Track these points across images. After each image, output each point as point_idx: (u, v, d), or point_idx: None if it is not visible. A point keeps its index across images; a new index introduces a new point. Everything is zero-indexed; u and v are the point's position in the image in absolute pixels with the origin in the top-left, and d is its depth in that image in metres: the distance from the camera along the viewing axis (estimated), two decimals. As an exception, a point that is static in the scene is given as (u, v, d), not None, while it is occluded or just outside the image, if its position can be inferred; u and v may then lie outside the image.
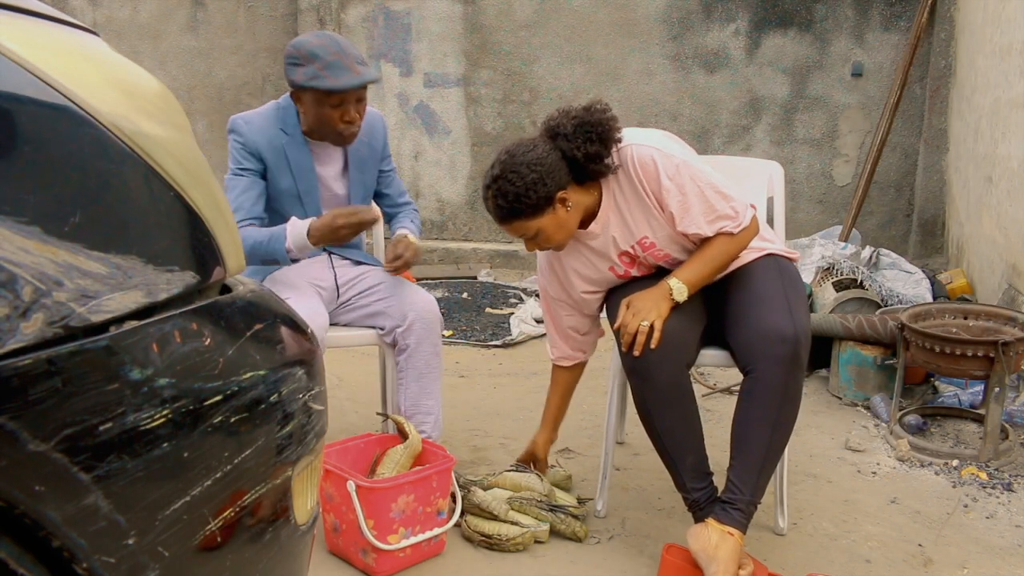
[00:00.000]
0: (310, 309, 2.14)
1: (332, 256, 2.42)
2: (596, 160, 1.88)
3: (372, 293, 2.34)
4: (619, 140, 1.91)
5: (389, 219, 2.53)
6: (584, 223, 1.99)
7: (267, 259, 2.18)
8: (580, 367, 2.30)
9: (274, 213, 2.29)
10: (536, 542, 2.09)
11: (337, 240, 2.16)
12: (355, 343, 2.39)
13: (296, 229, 2.14)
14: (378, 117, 2.41)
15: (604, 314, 2.16)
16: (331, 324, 2.33)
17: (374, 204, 2.44)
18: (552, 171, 1.85)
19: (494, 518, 2.09)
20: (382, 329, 2.31)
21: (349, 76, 2.10)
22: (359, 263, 2.45)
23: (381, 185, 2.47)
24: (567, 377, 2.30)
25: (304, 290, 2.24)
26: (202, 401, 0.86)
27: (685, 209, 1.90)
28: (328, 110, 2.14)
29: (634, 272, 2.07)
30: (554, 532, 2.12)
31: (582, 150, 1.86)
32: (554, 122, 1.91)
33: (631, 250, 2.02)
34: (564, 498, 2.20)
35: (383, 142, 2.43)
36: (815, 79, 4.84)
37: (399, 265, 2.28)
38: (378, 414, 2.41)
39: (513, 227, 1.92)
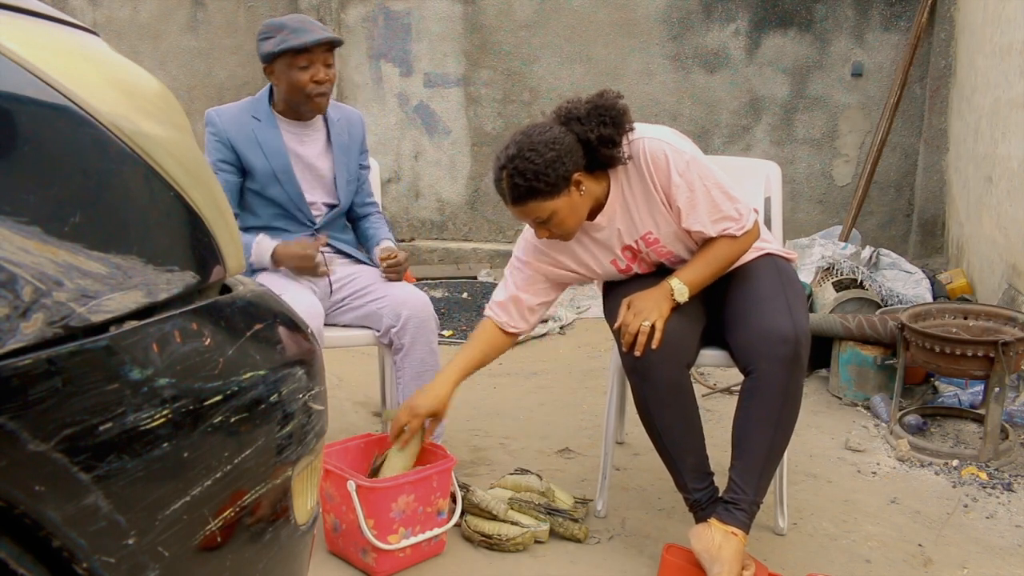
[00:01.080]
0: (305, 303, 2.17)
1: (326, 253, 2.43)
2: (609, 144, 1.86)
3: (366, 294, 2.35)
4: (631, 129, 1.90)
5: (357, 219, 2.58)
6: (590, 215, 1.98)
7: None
8: (511, 339, 2.13)
9: (256, 195, 2.35)
10: (536, 542, 2.09)
11: (295, 270, 2.31)
12: (352, 343, 2.39)
13: (261, 250, 2.27)
14: (356, 113, 2.52)
15: (603, 315, 2.16)
16: (327, 324, 2.34)
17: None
18: (570, 151, 1.84)
19: (494, 518, 2.09)
20: (377, 331, 2.32)
21: (312, 34, 2.23)
22: (354, 261, 2.46)
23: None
24: (496, 340, 2.11)
25: (298, 285, 2.27)
26: (202, 401, 0.86)
27: (692, 206, 1.90)
28: (298, 73, 2.25)
29: (635, 268, 2.07)
30: (553, 533, 2.12)
31: (596, 132, 1.85)
32: (566, 108, 1.90)
33: (634, 245, 2.01)
34: (562, 500, 2.20)
35: (362, 136, 2.51)
36: (815, 79, 4.84)
37: (396, 269, 2.38)
38: (375, 414, 2.41)
39: (527, 208, 1.86)
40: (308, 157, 2.37)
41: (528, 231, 2.10)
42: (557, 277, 2.11)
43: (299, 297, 2.17)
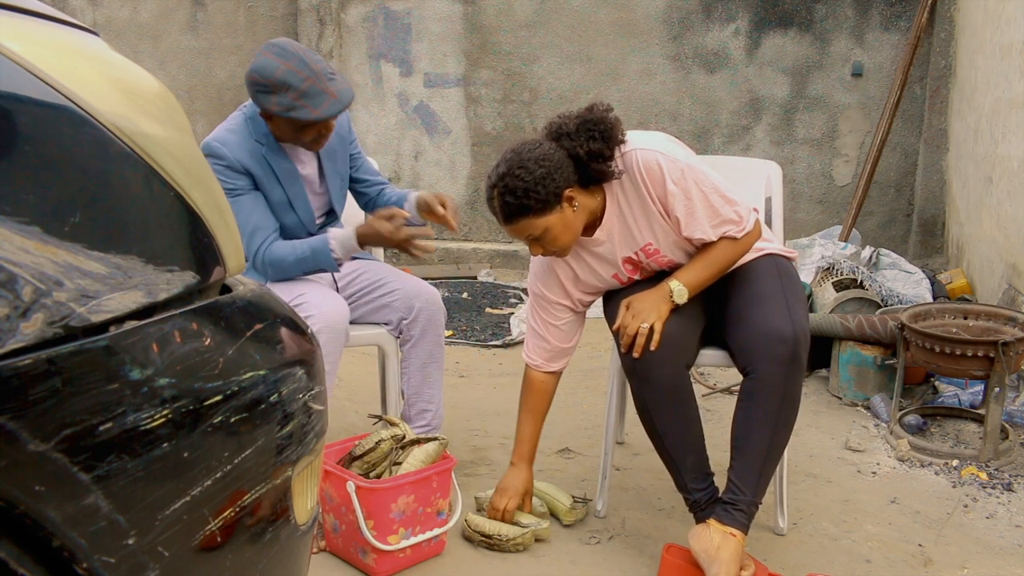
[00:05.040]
0: (332, 300, 2.15)
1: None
2: (599, 158, 1.86)
3: (377, 288, 2.34)
4: (623, 142, 1.90)
5: (371, 198, 2.48)
6: (588, 231, 1.98)
7: (313, 271, 2.22)
8: (556, 377, 2.18)
9: None
10: (536, 541, 2.09)
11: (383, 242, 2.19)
12: (370, 342, 2.37)
13: (344, 239, 2.17)
14: None
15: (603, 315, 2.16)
16: None
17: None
18: (559, 167, 1.83)
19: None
20: (387, 324, 2.32)
21: (329, 103, 2.05)
22: (354, 257, 2.45)
23: (353, 170, 2.45)
24: (545, 384, 2.16)
25: (317, 285, 2.23)
26: (202, 401, 0.86)
27: (690, 214, 1.89)
28: (302, 133, 2.12)
29: (637, 277, 2.07)
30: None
31: (585, 147, 1.84)
32: (556, 123, 1.90)
33: (635, 256, 2.01)
34: (559, 500, 2.20)
35: (347, 126, 2.39)
36: (815, 79, 4.84)
37: (450, 216, 2.26)
38: (370, 416, 2.39)
39: (520, 226, 1.87)
40: (308, 178, 2.31)
41: (532, 266, 2.13)
42: (574, 305, 2.12)
43: (324, 298, 2.13)
